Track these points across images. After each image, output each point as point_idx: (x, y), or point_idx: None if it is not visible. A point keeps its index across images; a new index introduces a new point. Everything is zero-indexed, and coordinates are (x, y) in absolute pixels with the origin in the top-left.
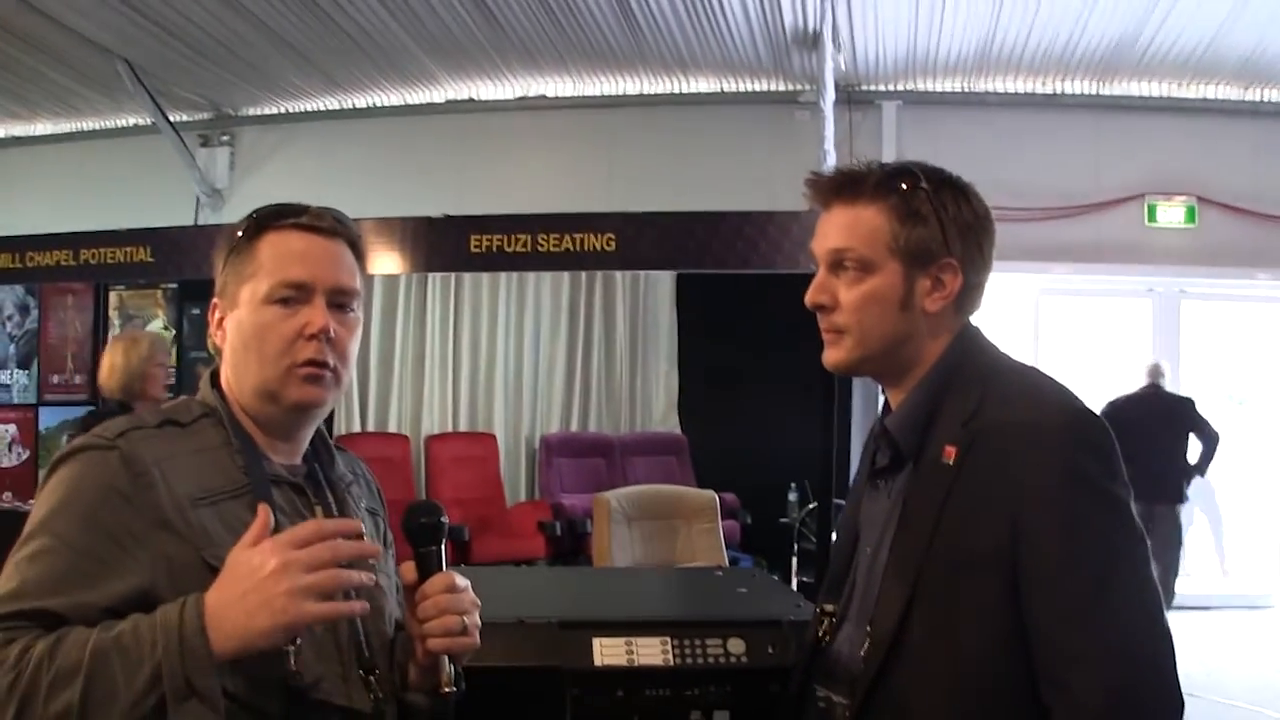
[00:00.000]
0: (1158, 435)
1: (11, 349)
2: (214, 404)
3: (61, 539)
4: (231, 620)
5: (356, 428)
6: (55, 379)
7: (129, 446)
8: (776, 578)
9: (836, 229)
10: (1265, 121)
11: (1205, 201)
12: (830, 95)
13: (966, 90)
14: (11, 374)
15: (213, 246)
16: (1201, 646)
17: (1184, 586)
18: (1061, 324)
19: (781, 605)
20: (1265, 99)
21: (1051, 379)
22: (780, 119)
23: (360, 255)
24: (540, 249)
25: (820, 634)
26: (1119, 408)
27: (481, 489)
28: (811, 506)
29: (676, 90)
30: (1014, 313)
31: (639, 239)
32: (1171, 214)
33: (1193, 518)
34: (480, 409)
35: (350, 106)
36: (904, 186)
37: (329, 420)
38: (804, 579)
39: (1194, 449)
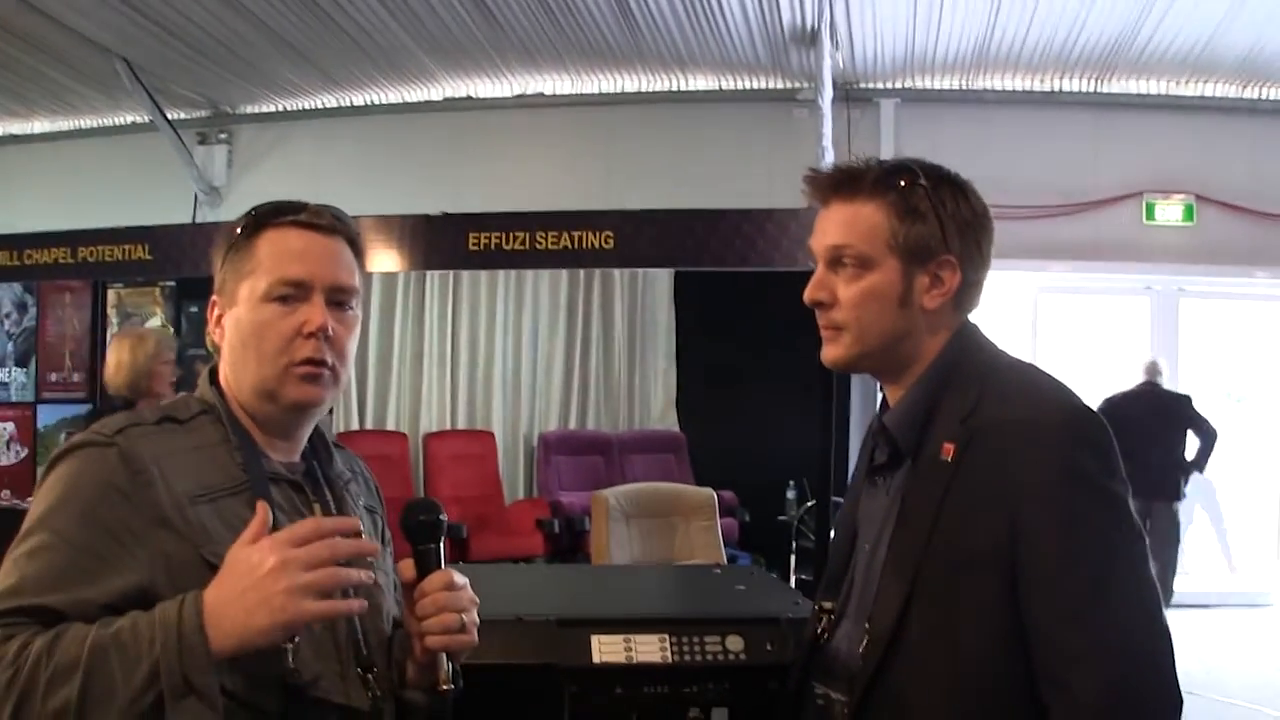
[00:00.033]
0: (1155, 432)
1: (10, 347)
2: (212, 401)
3: (60, 535)
4: (230, 618)
5: (355, 425)
6: (53, 377)
7: (127, 443)
8: (775, 575)
9: (835, 226)
10: (1263, 119)
11: (1203, 199)
12: (828, 93)
13: (965, 88)
14: (9, 372)
15: (211, 244)
16: (1201, 644)
17: (1183, 584)
18: (1060, 322)
19: (780, 603)
20: (1263, 97)
21: (1050, 376)
22: (778, 117)
23: (359, 253)
24: (538, 247)
25: (819, 631)
26: (1116, 405)
27: (480, 487)
28: (810, 504)
29: (675, 88)
30: (1012, 310)
31: (637, 237)
32: (1170, 212)
33: (1192, 515)
34: (479, 407)
35: (348, 104)
36: (903, 183)
37: (328, 418)
38: (802, 576)
39: (1191, 446)
